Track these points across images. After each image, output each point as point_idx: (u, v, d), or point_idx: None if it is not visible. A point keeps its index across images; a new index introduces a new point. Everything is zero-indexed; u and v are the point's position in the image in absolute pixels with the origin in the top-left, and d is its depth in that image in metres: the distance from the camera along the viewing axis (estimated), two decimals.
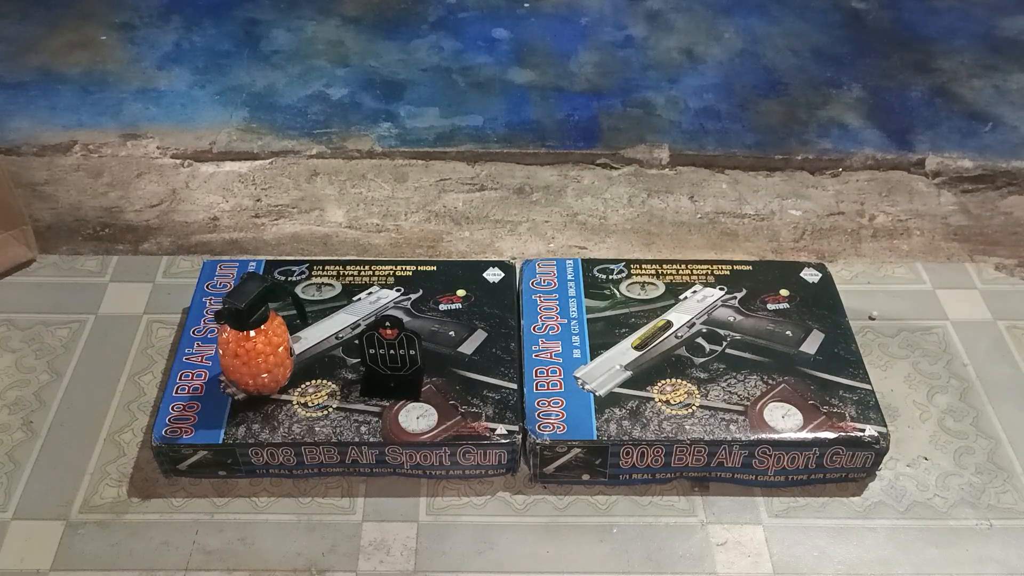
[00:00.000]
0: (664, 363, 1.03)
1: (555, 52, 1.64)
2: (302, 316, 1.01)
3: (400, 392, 0.99)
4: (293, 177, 1.39)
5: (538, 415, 0.97)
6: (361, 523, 0.95)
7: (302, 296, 1.09)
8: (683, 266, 1.14)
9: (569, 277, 1.13)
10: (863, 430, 0.96)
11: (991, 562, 0.93)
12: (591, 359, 1.03)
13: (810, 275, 1.14)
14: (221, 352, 0.95)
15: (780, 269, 1.15)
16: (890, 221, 1.33)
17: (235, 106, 1.50)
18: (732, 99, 1.54)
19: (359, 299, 1.10)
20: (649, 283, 1.12)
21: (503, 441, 0.96)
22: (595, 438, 0.95)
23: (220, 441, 0.95)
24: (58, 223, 1.30)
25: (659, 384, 1.00)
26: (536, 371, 1.02)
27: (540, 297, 1.10)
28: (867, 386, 1.01)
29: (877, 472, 1.00)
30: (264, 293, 0.92)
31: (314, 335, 1.05)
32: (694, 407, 0.98)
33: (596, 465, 0.97)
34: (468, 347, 1.05)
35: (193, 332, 1.06)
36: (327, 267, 1.14)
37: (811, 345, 1.05)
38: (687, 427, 0.96)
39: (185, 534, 0.94)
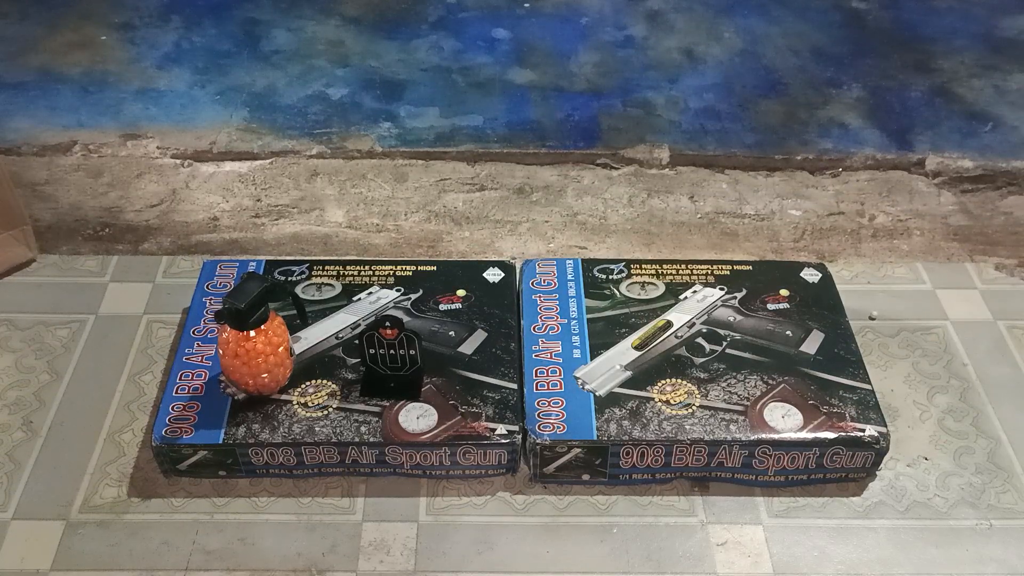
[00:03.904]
0: (664, 363, 1.03)
1: (555, 52, 1.64)
2: (302, 316, 1.01)
3: (400, 392, 0.99)
4: (293, 177, 1.39)
5: (538, 415, 0.97)
6: (361, 523, 0.95)
7: (302, 296, 1.09)
8: (683, 266, 1.14)
9: (569, 277, 1.13)
10: (863, 430, 0.96)
11: (991, 562, 0.93)
12: (591, 359, 1.03)
13: (810, 275, 1.14)
14: (221, 352, 0.95)
15: (780, 269, 1.15)
16: (890, 221, 1.33)
17: (235, 106, 1.50)
18: (732, 99, 1.54)
19: (359, 299, 1.10)
20: (649, 283, 1.12)
21: (503, 441, 0.96)
22: (595, 438, 0.95)
23: (220, 441, 0.95)
24: (58, 223, 1.30)
25: (659, 384, 1.00)
26: (536, 371, 1.02)
27: (540, 297, 1.10)
28: (867, 386, 1.01)
29: (877, 472, 1.00)
30: (264, 293, 0.92)
31: (314, 335, 1.05)
32: (694, 407, 0.98)
33: (596, 465, 0.97)
34: (468, 347, 1.05)
35: (193, 332, 1.06)
36: (327, 267, 1.14)
37: (811, 345, 1.05)
38: (687, 427, 0.96)
39: (185, 534, 0.94)
